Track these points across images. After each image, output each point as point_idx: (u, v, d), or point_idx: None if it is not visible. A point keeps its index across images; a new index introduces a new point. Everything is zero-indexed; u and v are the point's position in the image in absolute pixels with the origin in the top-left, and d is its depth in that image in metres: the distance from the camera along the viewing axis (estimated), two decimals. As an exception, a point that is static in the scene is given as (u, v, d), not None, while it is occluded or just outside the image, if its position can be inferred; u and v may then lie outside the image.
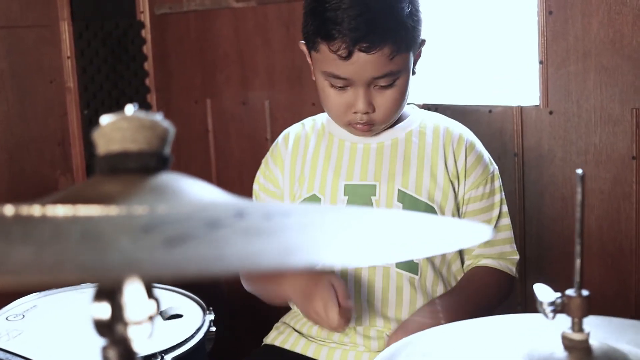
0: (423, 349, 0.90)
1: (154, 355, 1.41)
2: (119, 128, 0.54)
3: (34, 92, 2.43)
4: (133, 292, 0.51)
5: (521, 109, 1.82)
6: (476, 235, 0.53)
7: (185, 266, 0.36)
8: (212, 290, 2.08)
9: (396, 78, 1.37)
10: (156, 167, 0.54)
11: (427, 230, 0.51)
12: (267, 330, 1.61)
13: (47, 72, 2.45)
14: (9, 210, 0.46)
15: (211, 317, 1.59)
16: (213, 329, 1.58)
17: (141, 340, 0.52)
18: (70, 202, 0.48)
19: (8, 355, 1.31)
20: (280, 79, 2.29)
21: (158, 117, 0.56)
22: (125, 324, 0.51)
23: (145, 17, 2.60)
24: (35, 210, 0.46)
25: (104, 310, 0.51)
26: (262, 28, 2.30)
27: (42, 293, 1.70)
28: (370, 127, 1.42)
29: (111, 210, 0.45)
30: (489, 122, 1.86)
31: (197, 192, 0.51)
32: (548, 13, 1.73)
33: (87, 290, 1.70)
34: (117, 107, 2.56)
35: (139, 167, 0.53)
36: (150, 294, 0.51)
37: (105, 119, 0.55)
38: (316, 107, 1.97)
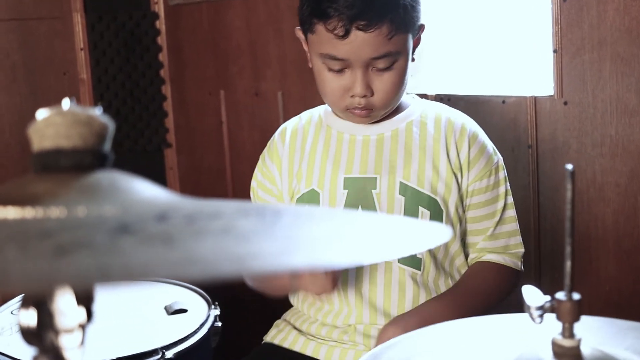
0: (411, 350, 0.87)
1: (155, 351, 1.39)
2: (52, 123, 0.51)
3: (47, 84, 2.43)
4: (62, 299, 0.48)
5: (535, 99, 1.76)
6: (435, 236, 0.49)
7: (64, 278, 0.32)
8: (219, 284, 2.03)
9: (395, 60, 1.33)
10: (91, 165, 0.50)
11: (380, 233, 0.47)
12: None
13: (60, 64, 2.44)
14: None
15: (216, 311, 1.57)
16: (218, 323, 1.56)
17: (73, 348, 0.49)
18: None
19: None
20: (292, 70, 2.26)
21: (96, 111, 0.52)
22: (56, 332, 0.48)
23: (160, 8, 2.58)
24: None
25: (30, 318, 0.48)
26: (274, 18, 2.27)
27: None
28: (368, 112, 1.38)
29: (26, 212, 0.42)
30: (502, 113, 1.81)
31: (129, 191, 0.48)
32: (562, 0, 1.67)
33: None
34: (131, 98, 2.56)
35: (72, 164, 0.50)
36: (80, 301, 0.48)
37: (40, 114, 0.52)
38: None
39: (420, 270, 1.39)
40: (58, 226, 0.40)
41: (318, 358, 1.41)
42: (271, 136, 1.58)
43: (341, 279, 1.37)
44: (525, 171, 1.80)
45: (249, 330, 2.19)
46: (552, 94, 1.73)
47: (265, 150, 1.55)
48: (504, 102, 1.82)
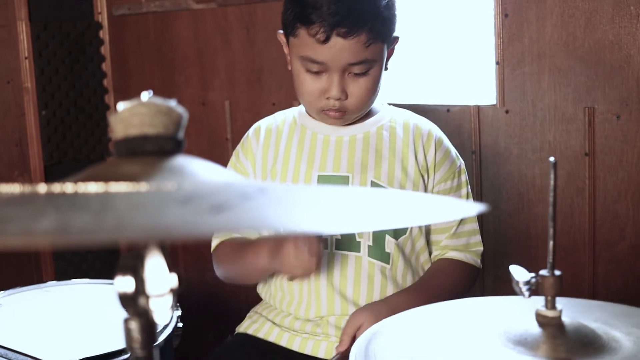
0: (400, 331, 0.94)
1: (123, 350, 1.42)
2: (137, 113, 0.57)
3: (-10, 92, 2.41)
4: (155, 266, 0.54)
5: (478, 108, 1.88)
6: (445, 211, 0.57)
7: (235, 227, 0.39)
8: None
9: (370, 67, 1.42)
10: (172, 150, 0.57)
11: (407, 205, 0.56)
12: (234, 325, 1.63)
13: (4, 73, 2.43)
14: (42, 188, 0.49)
15: (178, 313, 1.61)
16: (180, 324, 1.60)
17: (162, 311, 0.55)
18: (98, 180, 0.51)
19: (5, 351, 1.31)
20: (240, 80, 2.32)
21: (172, 103, 0.59)
22: (147, 297, 0.54)
23: (103, 18, 2.59)
24: (68, 187, 0.49)
25: (128, 284, 0.53)
26: (222, 29, 2.32)
27: (7, 292, 1.69)
28: (342, 114, 1.46)
29: (141, 187, 0.48)
30: (447, 121, 1.92)
31: (213, 172, 0.55)
32: (504, 16, 1.79)
33: (52, 289, 1.70)
34: (75, 107, 2.57)
35: (156, 149, 0.56)
36: (172, 268, 0.54)
37: (122, 105, 0.58)
38: (276, 107, 2.01)
39: (389, 264, 1.47)
40: (190, 194, 0.46)
41: (292, 349, 1.47)
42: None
43: (324, 260, 1.42)
44: (469, 176, 1.90)
45: (209, 331, 2.23)
46: (494, 103, 1.86)
47: (238, 147, 1.61)
48: (448, 110, 1.93)
